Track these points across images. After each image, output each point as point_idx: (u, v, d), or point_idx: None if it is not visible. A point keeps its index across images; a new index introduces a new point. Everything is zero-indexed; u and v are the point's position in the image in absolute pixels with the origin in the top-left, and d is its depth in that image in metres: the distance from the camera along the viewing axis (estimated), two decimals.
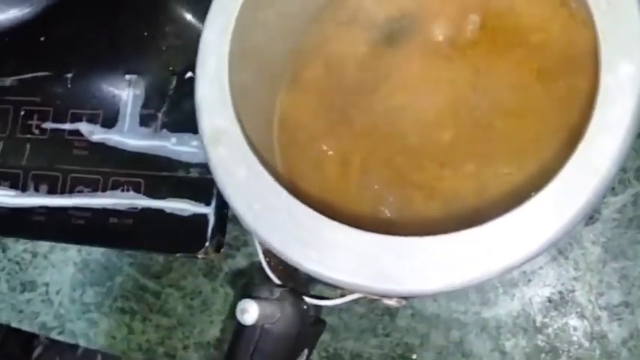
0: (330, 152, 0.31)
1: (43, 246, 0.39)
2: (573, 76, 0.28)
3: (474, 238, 0.23)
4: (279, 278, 0.29)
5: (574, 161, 0.22)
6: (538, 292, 0.33)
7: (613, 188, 0.32)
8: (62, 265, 0.39)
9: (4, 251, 0.40)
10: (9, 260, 0.40)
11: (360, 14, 0.33)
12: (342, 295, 0.30)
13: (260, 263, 0.31)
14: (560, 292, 0.32)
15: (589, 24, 0.24)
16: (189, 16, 0.35)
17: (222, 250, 0.34)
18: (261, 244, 0.25)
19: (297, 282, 0.29)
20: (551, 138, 0.28)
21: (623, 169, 0.33)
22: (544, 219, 0.22)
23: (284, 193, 0.24)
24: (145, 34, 0.34)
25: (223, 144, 0.25)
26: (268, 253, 0.30)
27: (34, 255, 0.40)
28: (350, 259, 0.23)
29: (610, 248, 0.32)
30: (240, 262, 0.36)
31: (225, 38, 0.26)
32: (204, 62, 0.26)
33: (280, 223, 0.24)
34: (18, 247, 0.40)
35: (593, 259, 0.32)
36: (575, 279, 0.32)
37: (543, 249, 0.22)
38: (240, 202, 0.25)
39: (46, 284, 0.39)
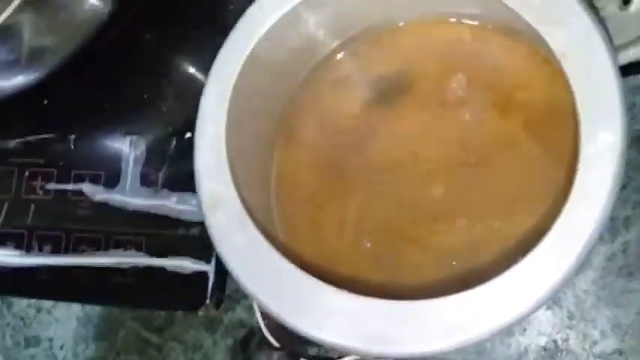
0: (326, 209, 0.32)
1: (47, 301, 0.40)
2: (559, 132, 0.29)
3: (469, 300, 0.24)
4: (277, 340, 0.30)
5: (558, 226, 0.23)
6: (534, 341, 0.33)
7: (602, 237, 0.33)
8: (66, 319, 0.40)
9: (8, 307, 0.41)
10: (13, 316, 0.41)
11: (352, 74, 0.34)
12: (340, 357, 0.31)
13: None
14: (555, 341, 0.33)
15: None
16: (188, 79, 0.36)
17: (222, 304, 0.35)
18: (260, 307, 0.26)
19: (295, 343, 0.30)
20: (541, 193, 0.29)
21: (611, 218, 0.33)
22: (528, 286, 0.22)
23: (280, 258, 0.25)
24: (146, 96, 0.36)
25: (221, 210, 0.26)
26: (266, 315, 0.30)
27: (38, 310, 0.40)
28: (346, 323, 0.24)
29: (602, 297, 0.33)
30: (241, 314, 0.37)
31: (222, 107, 0.27)
32: (203, 131, 0.27)
33: (277, 287, 0.25)
34: (22, 302, 0.41)
35: (586, 308, 0.33)
36: (569, 327, 0.33)
37: (525, 314, 0.22)
38: (238, 268, 0.25)
39: (50, 339, 0.40)
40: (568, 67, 0.23)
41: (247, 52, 0.28)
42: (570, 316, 0.33)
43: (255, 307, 0.31)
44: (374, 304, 0.24)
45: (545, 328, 0.33)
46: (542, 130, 0.30)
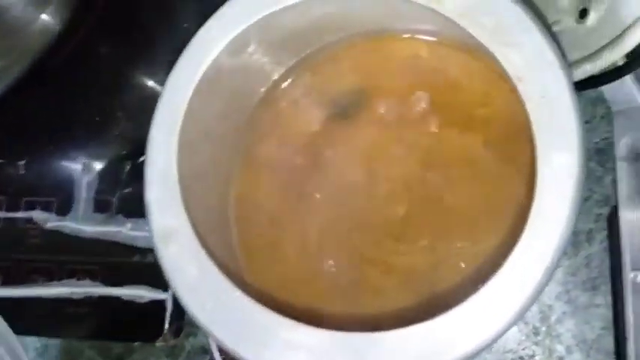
0: (287, 231, 0.31)
1: None
2: (519, 149, 0.28)
3: (433, 329, 0.23)
4: None
5: (519, 250, 0.22)
6: (500, 358, 0.33)
7: (565, 251, 0.33)
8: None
9: None
10: None
11: (310, 92, 0.33)
12: None
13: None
14: (521, 358, 0.33)
15: None
16: (143, 99, 0.35)
17: (182, 332, 0.34)
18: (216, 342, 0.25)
19: None
20: (503, 211, 0.28)
21: (574, 232, 0.33)
22: (493, 312, 0.22)
23: (236, 291, 0.24)
24: (98, 118, 0.34)
25: (174, 242, 0.25)
26: (223, 350, 0.29)
27: None
28: (306, 357, 0.23)
29: (567, 312, 0.32)
30: (202, 340, 0.36)
31: (172, 136, 0.26)
32: (153, 161, 0.26)
33: (233, 322, 0.24)
34: None
35: (551, 323, 0.33)
36: (535, 344, 0.33)
37: (491, 341, 0.22)
38: (192, 302, 0.24)
39: None
40: (523, 89, 0.22)
41: (198, 77, 0.27)
42: (536, 332, 0.32)
43: (211, 343, 0.30)
44: (334, 337, 0.23)
45: (510, 344, 0.33)
46: (503, 148, 0.30)
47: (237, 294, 0.24)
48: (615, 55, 0.28)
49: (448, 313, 0.23)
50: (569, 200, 0.22)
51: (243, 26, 0.27)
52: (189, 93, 0.27)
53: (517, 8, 0.22)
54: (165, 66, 0.29)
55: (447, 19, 0.25)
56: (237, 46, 0.28)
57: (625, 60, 0.28)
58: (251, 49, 0.29)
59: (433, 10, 0.25)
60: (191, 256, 0.25)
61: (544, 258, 0.22)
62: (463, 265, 0.29)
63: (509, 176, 0.29)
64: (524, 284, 0.22)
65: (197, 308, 0.24)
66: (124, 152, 0.34)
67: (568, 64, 0.29)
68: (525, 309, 0.22)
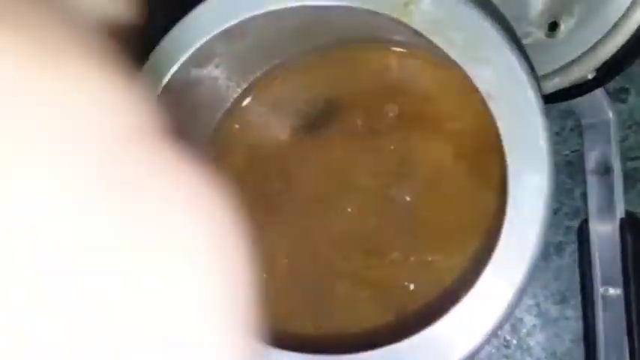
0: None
1: None
2: (490, 163, 0.28)
3: (403, 350, 0.23)
4: None
5: (489, 271, 0.22)
6: None
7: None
8: None
9: None
10: None
11: (279, 101, 0.33)
12: None
13: None
14: None
15: None
16: None
17: None
18: None
19: None
20: (474, 225, 0.28)
21: (544, 245, 0.33)
22: (459, 335, 0.21)
23: None
24: None
25: None
26: None
27: None
28: None
29: (537, 324, 0.32)
30: None
31: None
32: None
33: None
34: None
35: (522, 336, 0.32)
36: (505, 357, 0.32)
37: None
38: None
39: None
40: (493, 106, 0.22)
41: (158, 90, 0.26)
42: (507, 345, 0.32)
43: None
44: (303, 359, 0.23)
45: (481, 357, 0.33)
46: (474, 162, 0.29)
47: None
48: (585, 69, 0.28)
49: (417, 335, 0.22)
50: (540, 221, 0.22)
51: (208, 36, 0.26)
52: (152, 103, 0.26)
53: (487, 24, 0.22)
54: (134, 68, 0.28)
55: (416, 32, 0.24)
56: (202, 56, 0.27)
57: (595, 74, 0.28)
58: (216, 59, 0.28)
59: (402, 23, 0.24)
60: None
61: (514, 280, 0.21)
62: (436, 280, 0.28)
63: (480, 190, 0.29)
64: (494, 306, 0.21)
65: None
66: None
67: (538, 79, 0.29)
68: (496, 330, 0.22)
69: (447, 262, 0.28)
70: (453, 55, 0.22)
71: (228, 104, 0.32)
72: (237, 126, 0.32)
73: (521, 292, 0.22)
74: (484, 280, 0.22)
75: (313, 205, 0.31)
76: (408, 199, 0.30)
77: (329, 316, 0.29)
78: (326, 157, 0.32)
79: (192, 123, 0.30)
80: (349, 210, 0.31)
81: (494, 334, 0.22)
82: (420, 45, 0.30)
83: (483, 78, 0.22)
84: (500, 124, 0.22)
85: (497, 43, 0.22)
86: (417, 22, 0.24)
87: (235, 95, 0.32)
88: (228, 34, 0.28)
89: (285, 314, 0.29)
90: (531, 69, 0.23)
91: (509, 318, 0.22)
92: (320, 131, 0.32)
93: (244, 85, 0.32)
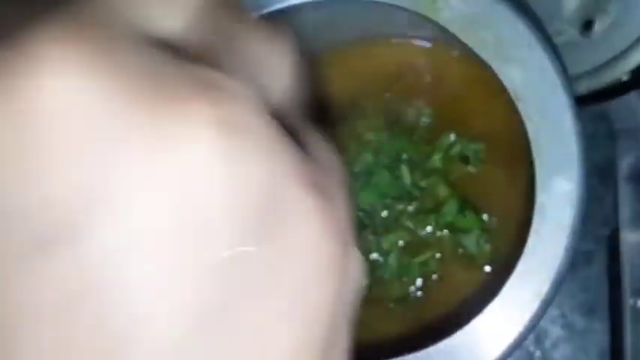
0: None
1: None
2: (518, 164, 0.27)
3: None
4: None
5: (514, 280, 0.21)
6: None
7: None
8: None
9: None
10: None
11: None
12: None
13: None
14: None
15: None
16: None
17: None
18: None
19: None
20: (501, 223, 0.27)
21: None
22: (481, 345, 0.20)
23: None
24: None
25: None
26: None
27: None
28: None
29: (562, 336, 0.31)
30: None
31: None
32: None
33: None
34: None
35: (546, 348, 0.31)
36: None
37: None
38: None
39: None
40: (523, 108, 0.21)
41: None
42: (530, 357, 0.31)
43: None
44: None
45: None
46: (502, 161, 0.28)
47: None
48: (620, 71, 0.27)
49: (435, 346, 0.21)
50: (568, 230, 0.21)
51: None
52: None
53: (519, 22, 0.21)
54: None
55: (443, 29, 0.23)
56: None
57: (629, 76, 0.27)
58: None
59: (429, 19, 0.23)
60: None
61: (540, 291, 0.20)
62: (455, 290, 0.27)
63: (507, 190, 0.28)
64: (517, 317, 0.20)
65: None
66: None
67: (570, 80, 0.27)
68: (518, 343, 0.21)
69: (469, 270, 0.27)
70: (483, 53, 0.21)
71: None
72: None
73: (547, 304, 0.21)
74: (508, 290, 0.21)
75: None
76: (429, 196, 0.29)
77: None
78: (349, 154, 0.31)
79: None
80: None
81: (516, 346, 0.21)
82: (447, 42, 0.29)
83: (514, 79, 0.21)
84: (529, 125, 0.21)
85: (528, 42, 0.21)
86: (445, 19, 0.23)
87: None
88: None
89: None
90: (563, 70, 0.22)
91: (533, 330, 0.21)
92: (340, 127, 0.31)
93: None
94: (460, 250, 0.26)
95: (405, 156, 0.29)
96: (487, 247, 0.25)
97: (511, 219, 0.27)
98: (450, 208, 0.26)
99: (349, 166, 0.29)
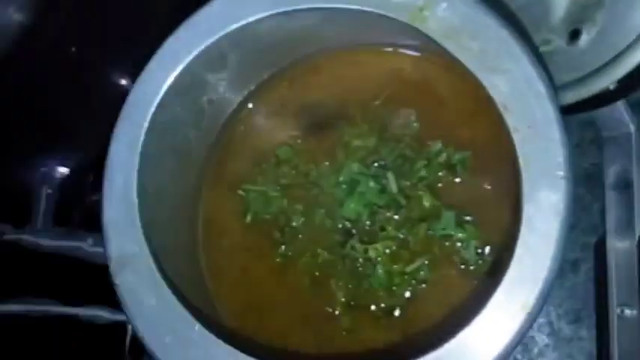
0: (255, 256, 0.30)
1: None
2: (505, 174, 0.27)
3: None
4: None
5: (500, 293, 0.21)
6: None
7: None
8: None
9: None
10: None
11: (287, 103, 0.32)
12: None
13: None
14: None
15: None
16: (110, 102, 0.33)
17: (144, 356, 0.32)
18: None
19: None
20: (488, 230, 0.27)
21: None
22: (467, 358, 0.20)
23: (197, 324, 0.22)
24: (60, 120, 0.32)
25: (131, 270, 0.23)
26: None
27: None
28: None
29: (550, 344, 0.31)
30: None
31: (134, 151, 0.25)
32: (112, 180, 0.24)
33: (193, 357, 0.22)
34: None
35: (533, 356, 0.31)
36: None
37: None
38: (149, 335, 0.23)
39: None
40: (509, 118, 0.21)
41: (164, 88, 0.25)
42: None
43: None
44: None
45: None
46: (488, 170, 0.28)
47: (197, 327, 0.22)
48: (607, 80, 0.27)
49: (427, 356, 0.21)
50: (554, 243, 0.20)
51: (216, 36, 0.25)
52: (154, 105, 0.25)
53: (505, 32, 0.21)
54: (140, 65, 0.27)
55: (430, 38, 0.23)
56: (209, 56, 0.26)
57: (616, 85, 0.27)
58: (223, 59, 0.27)
59: (416, 29, 0.23)
60: (150, 286, 0.23)
61: (528, 301, 0.20)
62: (443, 300, 0.27)
63: (493, 199, 0.28)
64: (504, 329, 0.20)
65: (155, 342, 0.23)
66: (89, 160, 0.32)
67: (557, 88, 0.27)
68: (508, 352, 0.21)
69: (457, 280, 0.27)
70: (468, 63, 0.21)
71: (235, 105, 0.31)
72: (242, 128, 0.31)
73: (535, 315, 0.21)
74: (495, 302, 0.20)
75: (318, 213, 0.30)
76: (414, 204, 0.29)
77: (329, 338, 0.28)
78: (334, 159, 0.30)
79: (196, 124, 0.29)
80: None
81: (505, 357, 0.21)
82: (434, 51, 0.28)
83: (500, 89, 0.21)
84: (516, 136, 0.21)
85: (514, 52, 0.21)
86: (431, 28, 0.22)
87: (241, 97, 0.31)
88: (235, 36, 0.27)
89: (286, 328, 0.28)
90: (549, 80, 0.22)
91: (521, 342, 0.21)
92: (328, 132, 0.31)
93: (251, 87, 0.31)
94: (451, 260, 0.26)
95: (391, 164, 0.29)
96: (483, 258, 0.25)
97: (499, 230, 0.27)
98: (448, 220, 0.26)
99: (336, 174, 0.29)
